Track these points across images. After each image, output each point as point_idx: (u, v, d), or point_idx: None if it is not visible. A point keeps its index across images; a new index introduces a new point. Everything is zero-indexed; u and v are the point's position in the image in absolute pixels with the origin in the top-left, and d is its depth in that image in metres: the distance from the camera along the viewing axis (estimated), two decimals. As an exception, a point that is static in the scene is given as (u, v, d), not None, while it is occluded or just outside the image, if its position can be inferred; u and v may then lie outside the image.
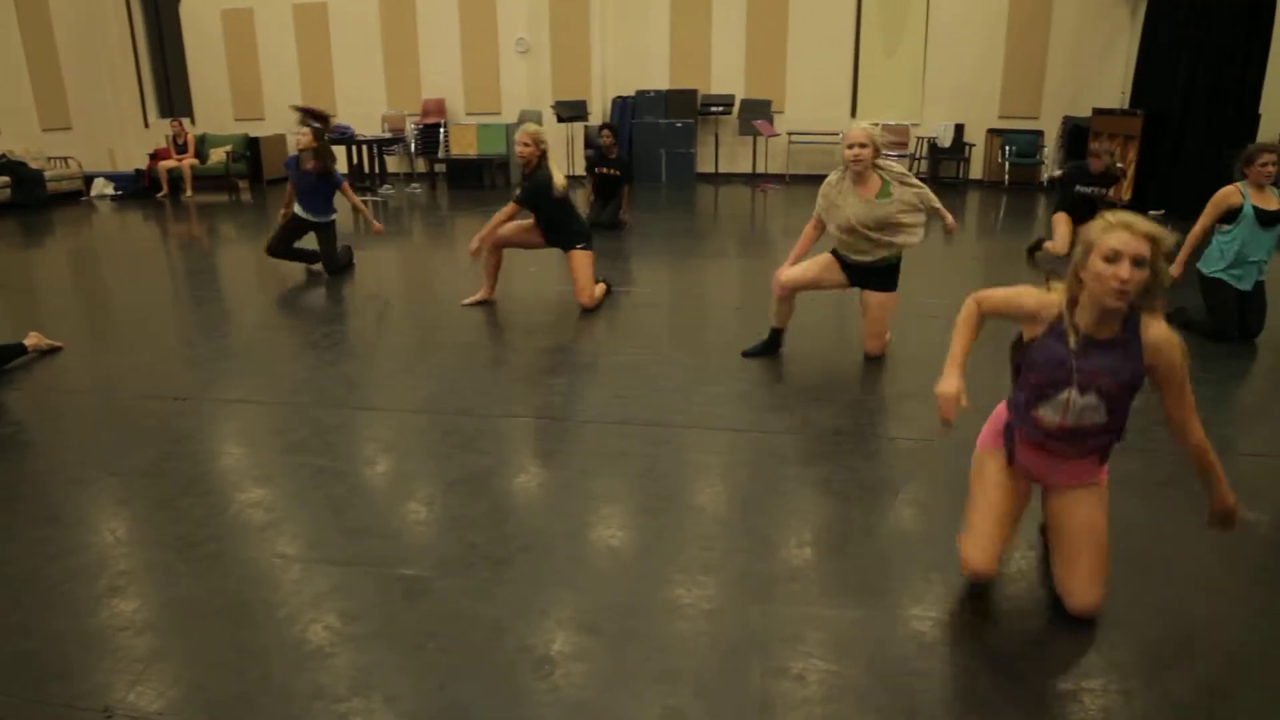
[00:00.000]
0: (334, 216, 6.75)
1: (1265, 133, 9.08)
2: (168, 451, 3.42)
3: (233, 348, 4.93)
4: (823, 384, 4.14)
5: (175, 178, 11.76)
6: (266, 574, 2.54)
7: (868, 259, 4.24)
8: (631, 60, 12.35)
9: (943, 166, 11.88)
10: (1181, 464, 3.26)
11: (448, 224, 9.74)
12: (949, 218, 4.45)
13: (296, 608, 2.36)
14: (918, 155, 11.80)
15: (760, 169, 12.30)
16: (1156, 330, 2.11)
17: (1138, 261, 1.99)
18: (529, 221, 5.57)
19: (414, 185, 12.28)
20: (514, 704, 1.99)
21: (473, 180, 12.07)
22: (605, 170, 8.43)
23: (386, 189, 11.80)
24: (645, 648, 2.18)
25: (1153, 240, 2.01)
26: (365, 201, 9.73)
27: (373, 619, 2.31)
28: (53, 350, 4.76)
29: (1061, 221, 6.71)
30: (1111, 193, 6.95)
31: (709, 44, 12.21)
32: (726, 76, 12.25)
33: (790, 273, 4.30)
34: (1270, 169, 4.51)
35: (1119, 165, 7.20)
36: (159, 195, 11.66)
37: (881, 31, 11.75)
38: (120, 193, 11.83)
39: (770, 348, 4.48)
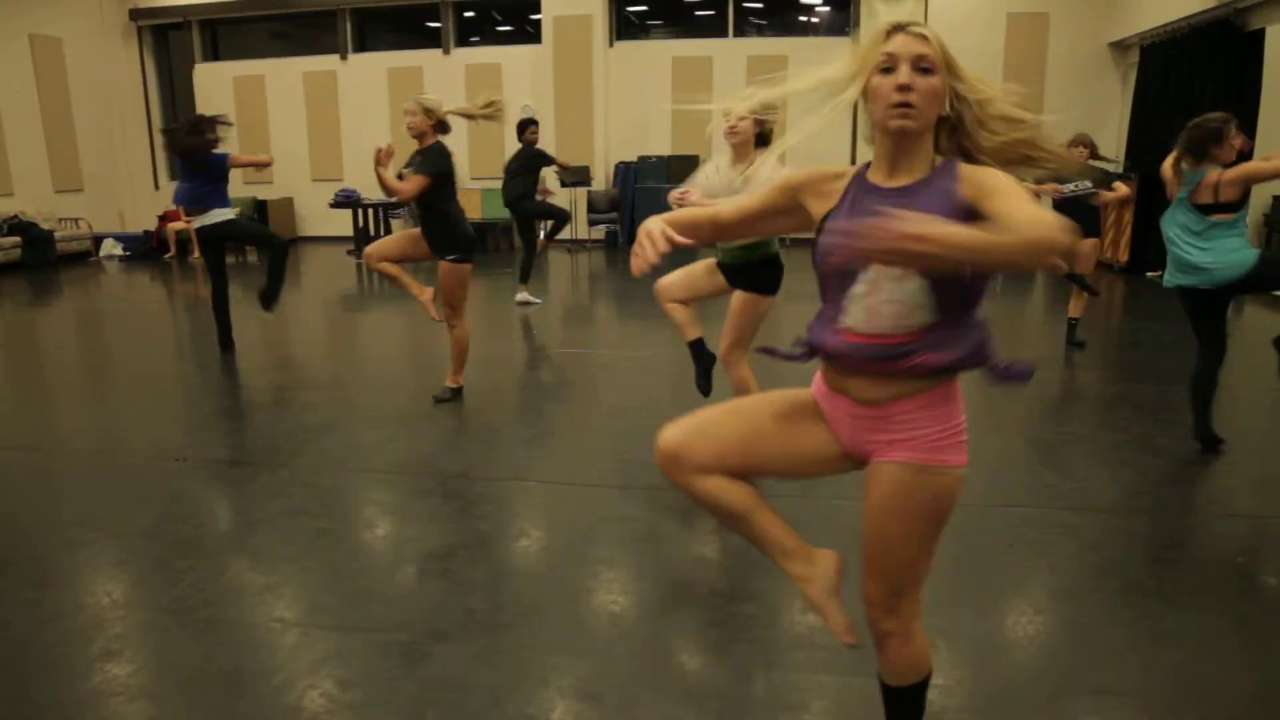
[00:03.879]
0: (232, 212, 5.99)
1: (1257, 191, 9.19)
2: (166, 513, 3.40)
3: (233, 409, 4.94)
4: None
5: (183, 239, 11.91)
6: (263, 639, 2.51)
7: (731, 254, 3.55)
8: (634, 126, 12.59)
9: (941, 229, 12.02)
10: (1190, 528, 3.25)
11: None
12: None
13: (293, 674, 2.32)
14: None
15: (761, 231, 12.42)
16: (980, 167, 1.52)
17: (921, 67, 1.47)
18: (414, 232, 4.80)
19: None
20: (513, 776, 1.95)
21: (477, 244, 12.21)
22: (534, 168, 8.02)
23: (391, 250, 11.93)
24: (647, 716, 2.14)
25: (941, 43, 1.50)
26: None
27: (370, 686, 2.27)
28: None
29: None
30: (1109, 194, 5.97)
31: (710, 110, 12.45)
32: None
33: (662, 280, 3.75)
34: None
35: (1106, 160, 6.17)
36: (167, 256, 11.80)
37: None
38: (128, 253, 11.97)
39: (703, 362, 3.87)
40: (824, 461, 1.69)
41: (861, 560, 1.67)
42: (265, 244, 6.16)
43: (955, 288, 1.50)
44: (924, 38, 1.49)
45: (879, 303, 1.50)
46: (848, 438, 1.64)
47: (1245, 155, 5.05)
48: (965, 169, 1.51)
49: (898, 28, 1.50)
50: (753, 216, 1.76)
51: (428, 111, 4.54)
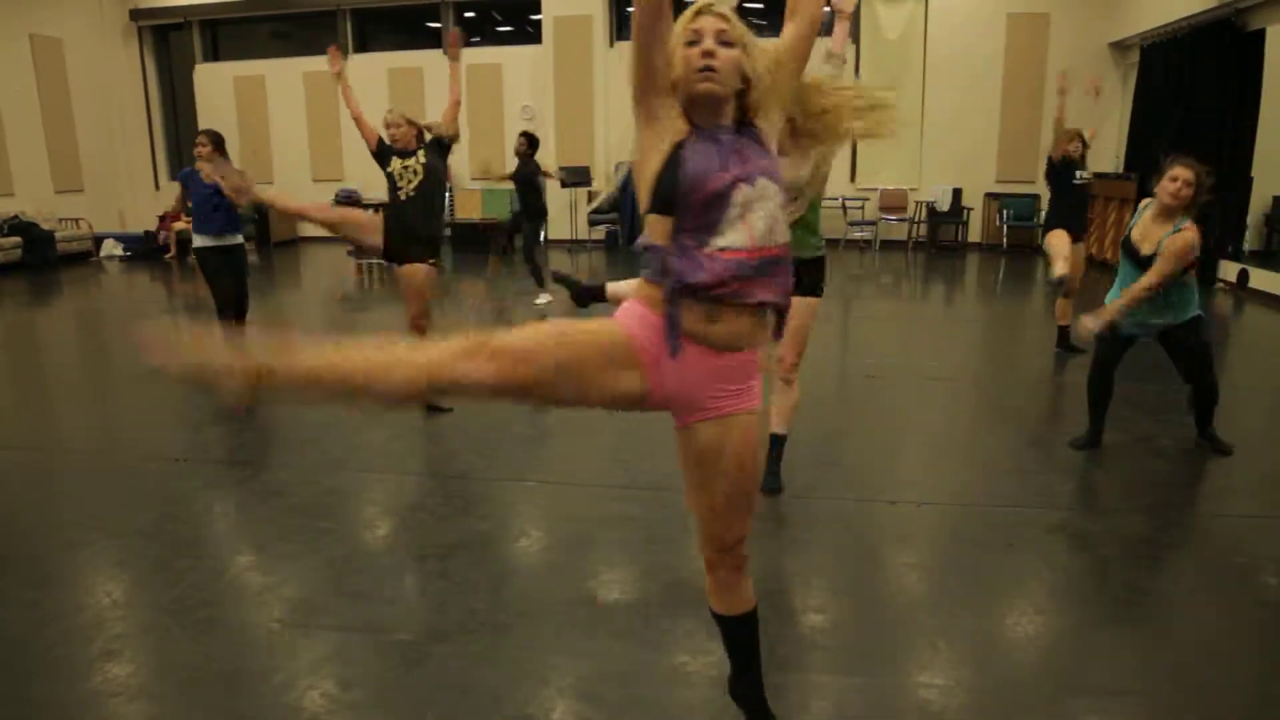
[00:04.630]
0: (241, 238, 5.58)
1: (1258, 195, 9.21)
2: (166, 513, 3.40)
3: (233, 409, 4.93)
4: (815, 445, 4.13)
5: (183, 239, 11.90)
6: (263, 639, 2.51)
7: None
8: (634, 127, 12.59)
9: (941, 230, 12.01)
10: (1190, 528, 3.25)
11: (452, 287, 9.82)
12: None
13: (293, 674, 2.32)
14: (917, 219, 11.95)
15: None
16: None
17: (723, 41, 1.64)
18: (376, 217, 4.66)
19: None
20: (513, 775, 1.95)
21: (477, 244, 12.21)
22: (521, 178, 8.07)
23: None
24: (648, 716, 2.14)
25: (739, 23, 1.68)
26: (368, 265, 9.84)
27: (370, 686, 2.27)
28: None
29: (1061, 237, 5.62)
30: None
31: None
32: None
33: (614, 286, 3.53)
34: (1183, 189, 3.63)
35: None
36: (167, 256, 11.80)
37: (879, 98, 11.99)
38: (129, 253, 11.97)
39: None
40: (617, 400, 1.73)
41: (727, 510, 1.78)
42: (243, 299, 5.56)
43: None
44: (725, 16, 1.67)
45: (755, 218, 1.65)
46: (681, 390, 1.71)
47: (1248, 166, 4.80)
48: (760, 123, 1.73)
49: (704, 9, 1.68)
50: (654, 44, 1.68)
51: (410, 123, 4.67)
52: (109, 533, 3.22)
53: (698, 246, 1.64)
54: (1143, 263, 3.70)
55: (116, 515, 3.39)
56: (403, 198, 4.54)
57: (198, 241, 5.36)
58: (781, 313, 1.74)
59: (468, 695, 2.22)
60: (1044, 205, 11.51)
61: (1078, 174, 5.72)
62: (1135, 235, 3.79)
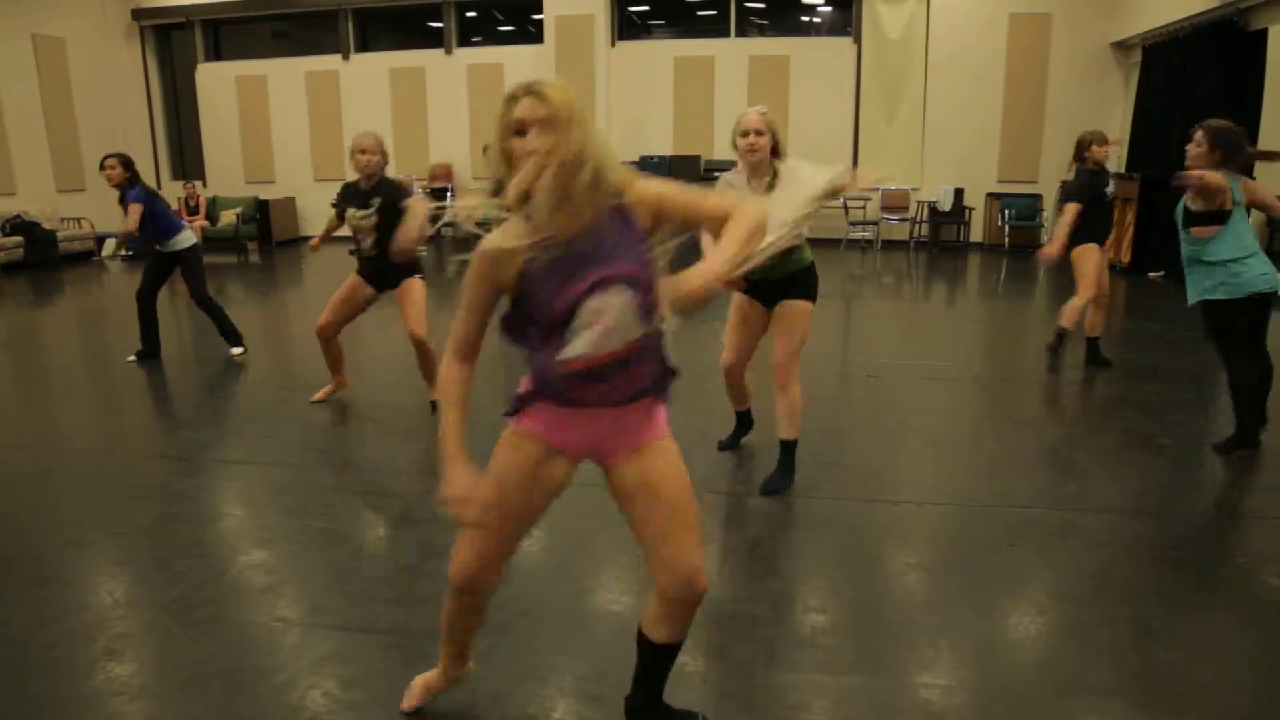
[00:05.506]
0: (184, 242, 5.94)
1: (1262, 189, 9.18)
2: (167, 512, 3.40)
3: (236, 408, 4.94)
4: (815, 448, 4.13)
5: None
6: (265, 638, 2.51)
7: (779, 269, 3.42)
8: (636, 126, 12.60)
9: (943, 230, 12.01)
10: (1191, 528, 3.25)
11: (453, 287, 9.83)
12: (857, 180, 3.58)
13: (295, 673, 2.32)
14: (918, 219, 11.95)
15: (762, 232, 12.41)
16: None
17: (543, 126, 1.58)
18: (352, 285, 4.72)
19: (421, 249, 12.42)
20: (513, 775, 1.95)
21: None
22: None
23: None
24: (648, 717, 2.14)
25: (553, 102, 1.58)
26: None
27: (372, 686, 2.27)
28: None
29: (1092, 254, 5.35)
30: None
31: (712, 111, 12.46)
32: (729, 143, 12.44)
33: (728, 362, 3.74)
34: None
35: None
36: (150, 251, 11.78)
37: (881, 98, 11.99)
38: (130, 253, 11.96)
39: (745, 428, 4.05)
40: (559, 491, 1.92)
41: (677, 535, 1.82)
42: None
43: (650, 302, 1.69)
44: (542, 96, 1.58)
45: (600, 330, 1.65)
46: (590, 444, 1.83)
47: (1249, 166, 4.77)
48: (629, 200, 1.68)
49: (520, 93, 1.60)
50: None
51: (383, 151, 4.53)
52: (110, 532, 3.23)
53: (551, 354, 1.70)
54: (1216, 216, 3.75)
55: (118, 514, 3.39)
56: (365, 251, 4.54)
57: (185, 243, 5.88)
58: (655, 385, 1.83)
59: (468, 694, 2.22)
60: (1045, 205, 11.55)
61: (1110, 184, 5.43)
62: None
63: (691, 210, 1.74)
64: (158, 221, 5.75)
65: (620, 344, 1.67)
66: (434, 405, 4.68)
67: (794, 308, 3.47)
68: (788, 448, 3.57)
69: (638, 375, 1.75)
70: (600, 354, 1.67)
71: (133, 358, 5.77)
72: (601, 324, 1.64)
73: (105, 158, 5.71)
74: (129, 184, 5.63)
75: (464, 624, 2.05)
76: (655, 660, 1.97)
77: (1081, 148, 5.36)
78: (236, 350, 5.95)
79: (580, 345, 1.65)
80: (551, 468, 1.85)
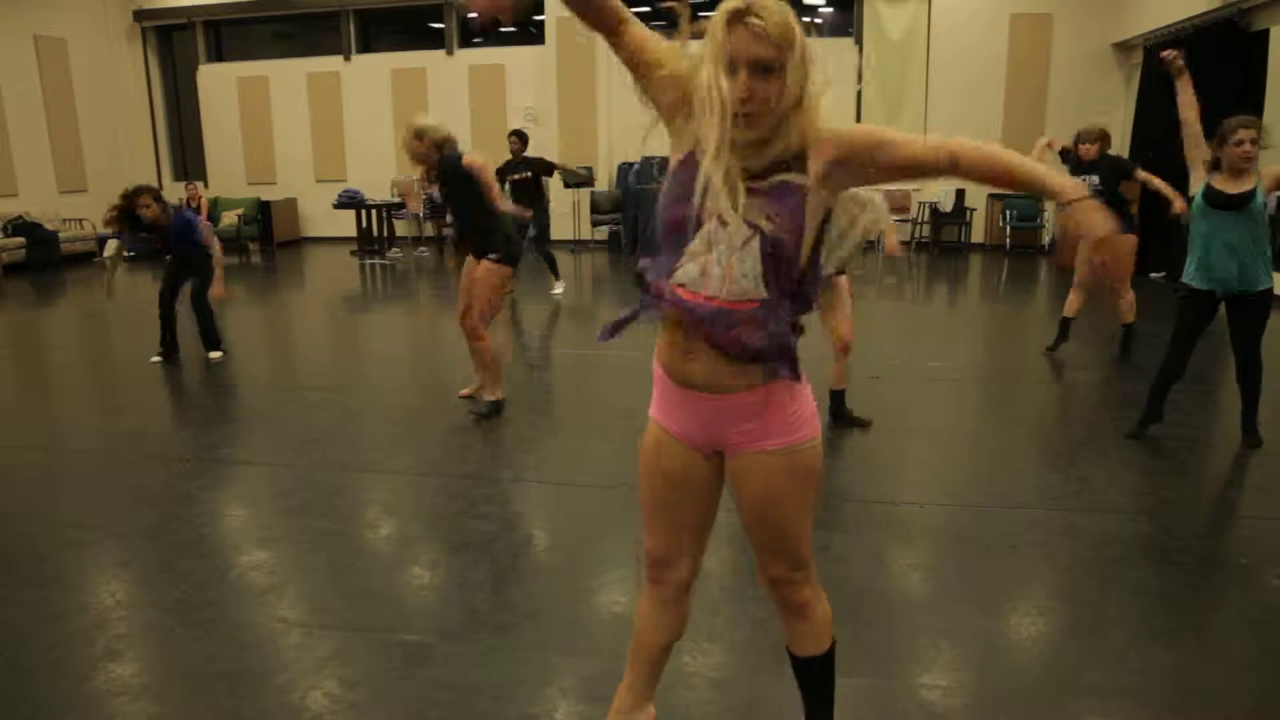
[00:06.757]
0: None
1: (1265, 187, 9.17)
2: (169, 513, 3.40)
3: (237, 409, 4.94)
4: (825, 449, 4.13)
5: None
6: (266, 639, 2.51)
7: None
8: (637, 128, 12.59)
9: (944, 231, 12.00)
10: (1192, 529, 3.24)
11: (454, 287, 9.85)
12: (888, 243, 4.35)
13: (296, 674, 2.32)
14: (919, 220, 11.94)
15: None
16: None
17: (762, 67, 1.41)
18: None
19: (421, 249, 12.42)
20: (515, 776, 1.95)
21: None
22: (517, 177, 8.35)
23: (395, 253, 11.94)
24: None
25: (790, 35, 1.40)
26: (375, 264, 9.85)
27: (373, 686, 2.27)
28: None
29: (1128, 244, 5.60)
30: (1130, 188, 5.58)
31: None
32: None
33: (844, 326, 4.07)
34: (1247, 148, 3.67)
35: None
36: (169, 257, 11.79)
37: (881, 98, 11.98)
38: (132, 254, 11.96)
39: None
40: (692, 484, 1.69)
41: (757, 549, 1.72)
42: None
43: (786, 270, 1.48)
44: (764, 34, 1.41)
45: (710, 263, 1.47)
46: (701, 435, 1.63)
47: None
48: (808, 139, 1.48)
49: (738, 14, 1.43)
50: (642, 56, 1.67)
51: (418, 136, 4.37)
52: (112, 533, 3.23)
53: (666, 268, 1.52)
54: (1235, 201, 3.71)
55: (119, 515, 3.40)
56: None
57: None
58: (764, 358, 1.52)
59: (470, 695, 2.22)
60: (1047, 206, 11.53)
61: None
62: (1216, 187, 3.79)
63: (890, 152, 1.46)
64: (194, 235, 6.08)
65: (724, 294, 1.46)
66: (479, 416, 4.47)
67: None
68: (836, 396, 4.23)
69: (734, 343, 1.49)
70: (699, 291, 1.48)
71: (156, 358, 5.81)
72: (709, 256, 1.47)
73: (138, 195, 5.76)
74: (165, 215, 5.86)
75: (646, 629, 1.84)
76: (803, 678, 1.85)
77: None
78: (215, 354, 5.98)
79: (686, 270, 1.49)
80: (670, 455, 1.66)
